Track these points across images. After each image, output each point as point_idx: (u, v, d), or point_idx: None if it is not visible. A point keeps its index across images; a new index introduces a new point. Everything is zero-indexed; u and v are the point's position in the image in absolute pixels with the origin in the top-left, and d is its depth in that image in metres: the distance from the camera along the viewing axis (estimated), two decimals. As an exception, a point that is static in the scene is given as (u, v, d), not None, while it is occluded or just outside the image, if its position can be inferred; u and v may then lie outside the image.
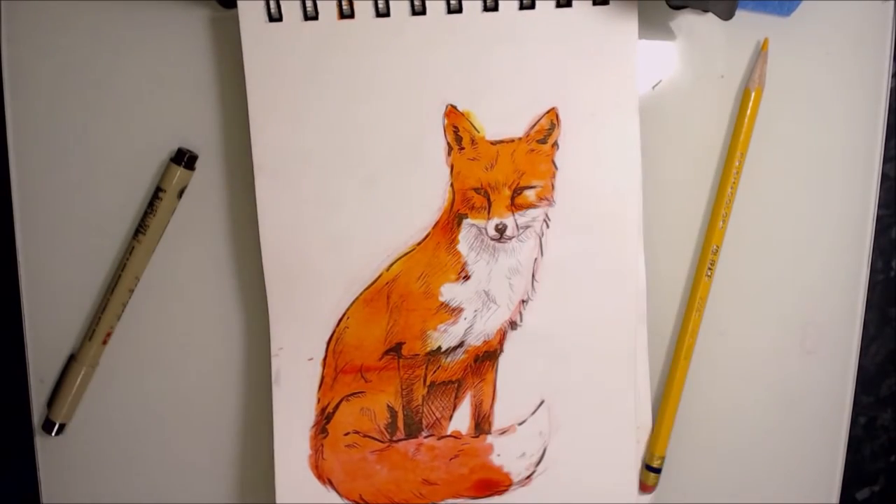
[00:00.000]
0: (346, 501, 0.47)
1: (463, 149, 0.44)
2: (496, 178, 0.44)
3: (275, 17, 0.43)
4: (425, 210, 0.45)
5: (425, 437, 0.47)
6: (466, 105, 0.44)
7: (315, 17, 0.43)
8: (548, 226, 0.45)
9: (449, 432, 0.47)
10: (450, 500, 0.47)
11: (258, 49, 0.43)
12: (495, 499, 0.47)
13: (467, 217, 0.45)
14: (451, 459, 0.47)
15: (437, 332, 0.46)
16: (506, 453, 0.47)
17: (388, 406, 0.46)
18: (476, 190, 0.44)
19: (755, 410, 0.49)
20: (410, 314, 0.45)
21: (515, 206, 0.44)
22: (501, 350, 0.46)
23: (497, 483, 0.47)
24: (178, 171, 0.46)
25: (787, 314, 0.49)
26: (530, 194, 0.44)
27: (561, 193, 0.45)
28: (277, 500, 0.47)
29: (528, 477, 0.47)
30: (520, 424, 0.47)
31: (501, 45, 0.43)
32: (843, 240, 0.48)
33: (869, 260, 0.49)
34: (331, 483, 0.47)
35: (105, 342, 0.48)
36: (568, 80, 0.44)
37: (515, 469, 0.47)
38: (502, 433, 0.47)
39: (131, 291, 0.48)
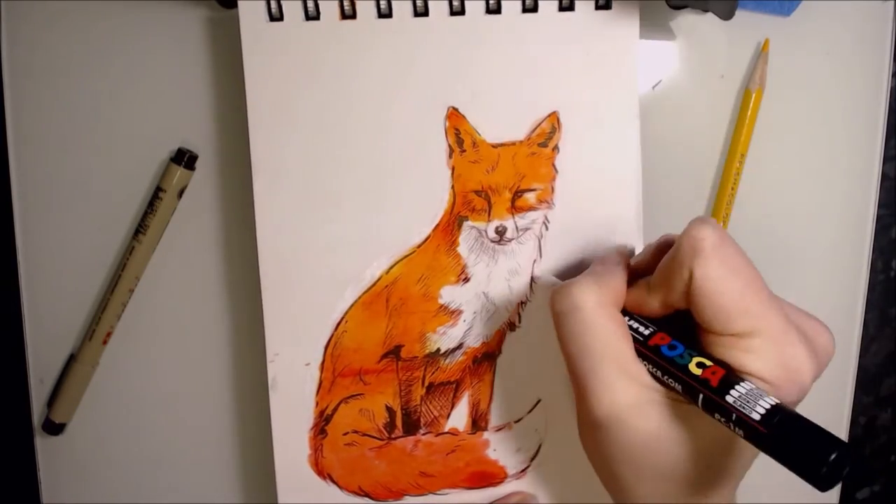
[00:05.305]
0: (347, 493, 0.47)
1: (464, 151, 0.44)
2: (497, 181, 0.44)
3: (275, 16, 0.43)
4: (425, 212, 0.44)
5: (423, 435, 0.47)
6: (468, 107, 0.44)
7: (316, 18, 0.43)
8: (547, 228, 0.45)
9: (446, 429, 0.47)
10: (446, 490, 0.47)
11: (258, 49, 0.43)
12: (490, 490, 0.47)
13: (467, 219, 0.45)
14: (448, 454, 0.47)
15: (437, 334, 0.46)
16: (502, 448, 0.47)
17: (387, 406, 0.46)
18: (477, 192, 0.44)
19: (754, 410, 0.49)
20: (410, 317, 0.45)
21: (515, 208, 0.44)
22: (500, 351, 0.46)
23: (493, 475, 0.47)
24: (178, 171, 0.46)
25: (786, 314, 0.49)
26: (530, 197, 0.44)
27: (561, 196, 0.45)
28: (279, 498, 0.47)
29: (524, 470, 0.47)
30: (516, 422, 0.47)
31: (504, 47, 0.43)
32: (843, 240, 0.48)
33: (869, 260, 0.49)
34: (331, 478, 0.47)
35: (105, 342, 0.48)
36: (570, 83, 0.44)
37: (511, 463, 0.47)
38: (498, 430, 0.47)
39: (131, 291, 0.48)
